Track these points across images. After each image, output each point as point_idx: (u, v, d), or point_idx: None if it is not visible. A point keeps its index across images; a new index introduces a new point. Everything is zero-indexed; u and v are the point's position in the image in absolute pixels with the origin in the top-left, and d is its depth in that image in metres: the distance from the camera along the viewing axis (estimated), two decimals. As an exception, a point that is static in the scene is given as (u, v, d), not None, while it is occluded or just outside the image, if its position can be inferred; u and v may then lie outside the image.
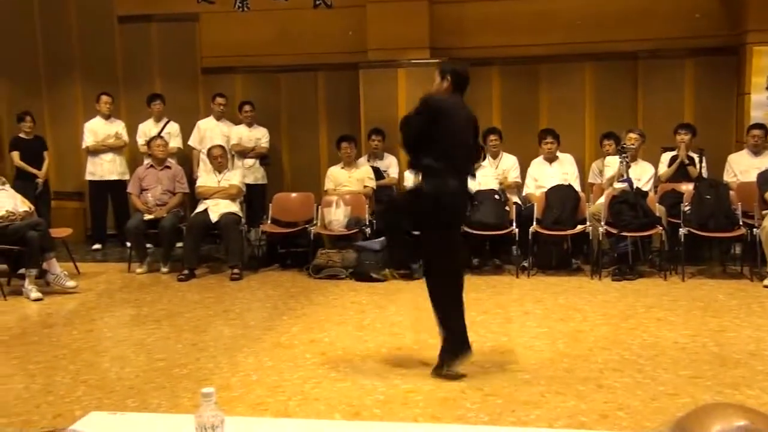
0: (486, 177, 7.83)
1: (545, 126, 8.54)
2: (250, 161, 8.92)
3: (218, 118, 9.02)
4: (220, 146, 8.28)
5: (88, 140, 8.99)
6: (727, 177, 7.77)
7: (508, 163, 8.24)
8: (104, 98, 9.03)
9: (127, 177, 8.83)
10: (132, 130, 9.15)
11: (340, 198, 7.81)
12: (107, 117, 9.09)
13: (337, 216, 7.69)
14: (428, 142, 4.39)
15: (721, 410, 0.98)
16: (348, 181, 8.17)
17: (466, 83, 4.61)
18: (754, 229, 6.86)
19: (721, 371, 4.52)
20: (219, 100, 9.00)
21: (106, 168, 8.99)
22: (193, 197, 8.25)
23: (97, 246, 9.04)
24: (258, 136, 9.00)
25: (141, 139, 8.97)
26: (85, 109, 9.65)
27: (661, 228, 7.08)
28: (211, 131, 8.97)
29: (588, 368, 4.61)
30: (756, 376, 4.42)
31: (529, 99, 9.09)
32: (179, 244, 7.97)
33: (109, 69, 9.81)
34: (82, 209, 9.75)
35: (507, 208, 7.56)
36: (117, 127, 9.10)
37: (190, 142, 9.03)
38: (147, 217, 7.78)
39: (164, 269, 7.72)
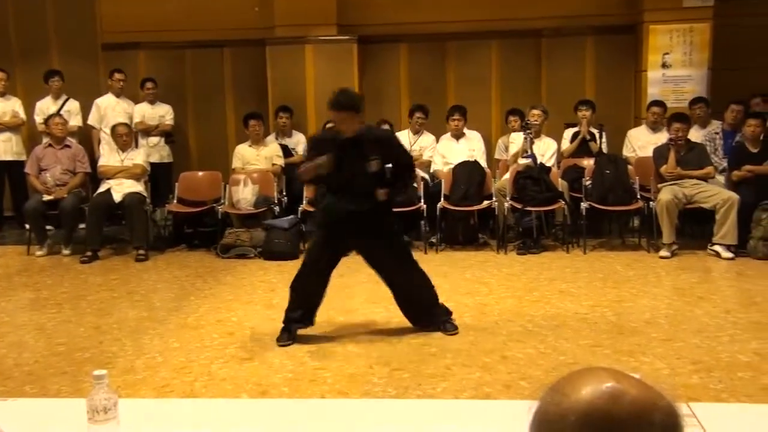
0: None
1: (453, 103, 8.62)
2: (154, 139, 8.70)
3: (117, 95, 8.73)
4: (125, 124, 8.05)
5: (-20, 119, 8.59)
6: (627, 152, 8.02)
7: (427, 141, 8.31)
8: None
9: (24, 158, 8.45)
10: (29, 108, 8.78)
11: (248, 176, 7.71)
12: (2, 94, 8.67)
13: (245, 194, 7.60)
14: None
15: (593, 374, 1.02)
16: (256, 159, 8.07)
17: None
18: (651, 203, 7.12)
19: (618, 339, 4.70)
20: (117, 75, 8.70)
21: (0, 148, 8.59)
22: (94, 177, 8.00)
23: (-7, 229, 8.69)
24: (161, 113, 8.77)
25: (39, 117, 8.61)
26: (-23, 86, 9.20)
27: (563, 202, 7.28)
28: (111, 109, 8.67)
29: (493, 340, 4.72)
30: (650, 343, 4.61)
31: (437, 76, 9.14)
32: (82, 226, 7.73)
33: (3, 44, 9.37)
34: (-24, 191, 9.33)
35: (415, 184, 7.61)
36: (13, 105, 8.68)
37: (90, 122, 8.73)
38: (46, 197, 7.51)
39: (66, 251, 7.47)
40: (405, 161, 4.98)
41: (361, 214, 4.69)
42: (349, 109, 4.65)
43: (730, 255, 6.68)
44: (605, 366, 1.07)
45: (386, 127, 8.01)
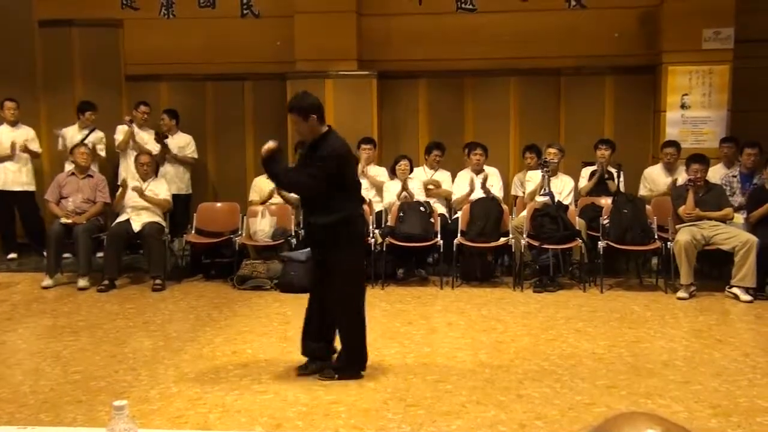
0: (412, 189, 7.89)
1: (470, 138, 8.67)
2: (169, 169, 8.74)
3: (140, 126, 8.81)
4: (148, 153, 8.13)
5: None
6: (642, 191, 8.01)
7: (443, 176, 8.32)
8: (8, 104, 8.58)
9: (32, 188, 8.51)
10: (48, 136, 8.85)
11: (266, 208, 7.76)
12: (13, 123, 8.66)
13: (262, 226, 7.64)
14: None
15: (635, 419, 0.99)
16: (274, 191, 8.11)
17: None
18: (669, 243, 7.09)
19: (635, 381, 4.66)
20: (143, 108, 8.81)
21: (10, 178, 8.55)
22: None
23: (12, 255, 8.72)
24: (181, 144, 8.85)
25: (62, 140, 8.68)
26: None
27: (581, 241, 7.25)
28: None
29: (508, 378, 4.69)
30: (668, 385, 4.56)
31: (455, 112, 9.20)
32: (99, 254, 7.77)
33: (29, 73, 9.53)
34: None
35: (432, 219, 7.62)
36: (25, 135, 8.67)
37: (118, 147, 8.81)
38: (63, 220, 7.52)
39: (83, 282, 7.34)
40: (307, 171, 4.64)
41: (315, 226, 4.66)
42: (291, 111, 4.62)
43: (748, 297, 6.63)
44: (643, 410, 1.03)
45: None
